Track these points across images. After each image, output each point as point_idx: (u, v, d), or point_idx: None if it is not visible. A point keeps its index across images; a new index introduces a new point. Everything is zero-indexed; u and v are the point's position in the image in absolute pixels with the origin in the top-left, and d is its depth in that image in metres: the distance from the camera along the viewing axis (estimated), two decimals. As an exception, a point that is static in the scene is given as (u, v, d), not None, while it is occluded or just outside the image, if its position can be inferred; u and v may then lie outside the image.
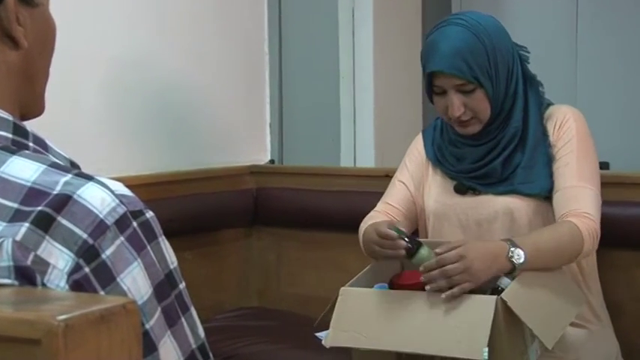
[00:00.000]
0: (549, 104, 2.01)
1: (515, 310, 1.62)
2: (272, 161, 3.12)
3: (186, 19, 2.76)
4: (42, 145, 0.91)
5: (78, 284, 0.80)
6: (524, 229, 1.92)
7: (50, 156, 0.90)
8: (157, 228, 0.86)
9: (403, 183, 2.11)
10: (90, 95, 2.49)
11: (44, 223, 0.80)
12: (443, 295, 1.71)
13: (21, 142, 0.89)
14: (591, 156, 1.95)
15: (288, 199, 2.84)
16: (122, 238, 0.82)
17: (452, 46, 1.87)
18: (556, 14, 3.81)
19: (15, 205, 0.82)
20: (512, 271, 1.77)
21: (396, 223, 1.82)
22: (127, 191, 0.86)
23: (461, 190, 2.02)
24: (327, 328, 1.79)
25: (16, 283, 0.79)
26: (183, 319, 0.87)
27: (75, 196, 0.82)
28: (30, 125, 0.92)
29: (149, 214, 0.86)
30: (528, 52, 1.99)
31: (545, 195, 1.94)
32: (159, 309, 0.84)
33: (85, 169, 0.89)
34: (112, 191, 0.84)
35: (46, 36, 0.96)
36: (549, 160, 1.95)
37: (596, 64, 3.71)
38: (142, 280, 0.82)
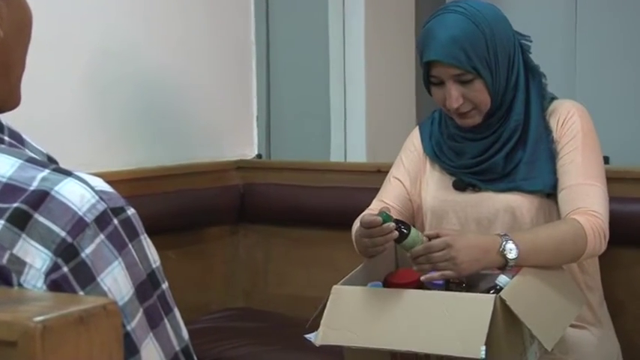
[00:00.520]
0: (553, 98, 2.01)
1: (514, 309, 1.63)
2: (259, 156, 3.11)
3: (170, 8, 2.76)
4: (18, 139, 0.91)
5: (56, 284, 0.79)
6: (525, 228, 1.93)
7: (27, 150, 0.90)
8: (139, 225, 0.86)
9: (398, 179, 2.11)
10: (69, 87, 2.48)
11: (20, 221, 0.80)
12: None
13: (-4, 136, 0.89)
14: (597, 152, 1.96)
15: (276, 196, 2.84)
16: (102, 236, 0.82)
17: (450, 35, 1.87)
18: (555, 4, 3.82)
19: (-11, 202, 0.81)
20: (505, 267, 1.77)
21: (385, 208, 1.81)
22: (107, 187, 0.86)
23: (460, 186, 2.02)
24: (318, 329, 1.79)
25: (-10, 283, 0.79)
26: (166, 321, 0.87)
27: (52, 192, 0.82)
28: (5, 118, 0.92)
29: (130, 211, 0.86)
30: (530, 41, 1.98)
31: (548, 192, 1.95)
32: (141, 310, 0.83)
33: (63, 165, 0.88)
34: (91, 187, 0.84)
35: (22, 25, 0.96)
36: (552, 155, 1.95)
37: (596, 55, 3.72)
38: (123, 280, 0.82)
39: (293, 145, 3.20)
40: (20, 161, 0.84)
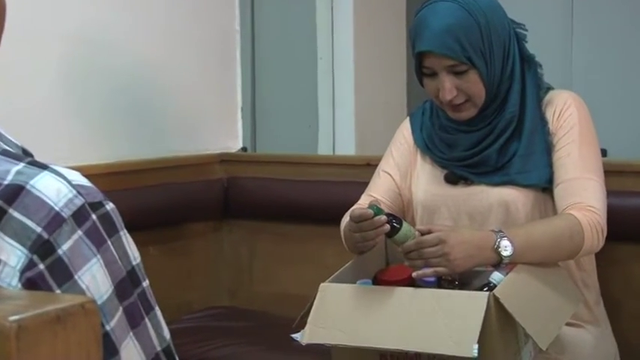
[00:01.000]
0: (549, 88, 2.01)
1: (508, 307, 1.64)
2: (244, 149, 3.11)
3: (150, -6, 2.75)
4: (-9, 131, 0.90)
5: (32, 282, 0.79)
6: (520, 223, 1.93)
7: (0, 143, 0.90)
8: (118, 221, 0.86)
9: (388, 173, 2.11)
10: (45, 77, 2.47)
11: (-6, 216, 0.80)
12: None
13: (-33, 128, 0.88)
14: (594, 145, 1.96)
15: (262, 190, 2.84)
16: (80, 232, 0.82)
17: (442, 24, 1.87)
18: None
19: (-39, 197, 0.81)
20: (499, 264, 1.78)
21: (374, 201, 1.81)
22: (85, 181, 0.86)
23: (452, 179, 2.03)
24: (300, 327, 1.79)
25: (-37, 281, 0.78)
26: (147, 320, 0.87)
27: (28, 187, 0.81)
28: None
29: (109, 205, 0.86)
30: (526, 30, 1.99)
31: (544, 186, 1.95)
32: (120, 309, 0.83)
33: (39, 158, 0.88)
34: (68, 181, 0.84)
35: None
36: (548, 148, 1.95)
37: (593, 44, 3.73)
38: (102, 277, 0.82)
39: (279, 138, 3.20)
40: (-6, 154, 0.84)
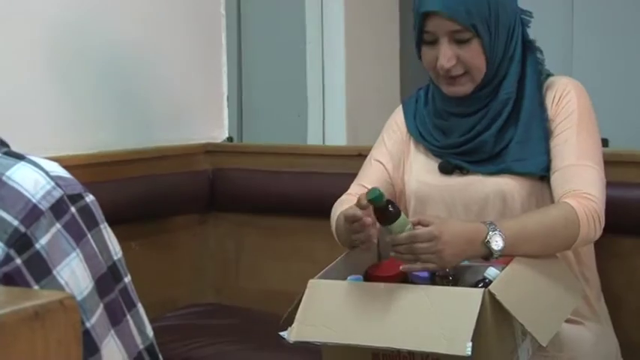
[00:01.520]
0: (548, 74, 2.02)
1: (504, 304, 1.64)
2: (230, 139, 3.11)
3: (131, -23, 2.74)
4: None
5: (8, 278, 0.79)
6: (517, 213, 1.94)
7: (-25, 132, 0.89)
8: (99, 214, 0.86)
9: (380, 162, 2.12)
10: (22, 62, 2.47)
11: (-31, 209, 0.80)
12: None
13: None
14: (593, 132, 1.97)
15: (249, 182, 2.84)
16: (58, 226, 0.82)
17: None
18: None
19: None
20: (489, 258, 1.79)
21: (370, 189, 1.79)
22: (63, 172, 0.86)
23: (446, 169, 2.03)
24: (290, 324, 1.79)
25: (-63, 276, 0.78)
26: (128, 317, 0.87)
27: (4, 178, 0.81)
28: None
29: (89, 198, 0.86)
30: (531, 17, 2.01)
31: (541, 174, 1.96)
32: (101, 305, 0.84)
33: (15, 148, 0.88)
34: (46, 172, 0.84)
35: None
36: (546, 135, 1.96)
37: (594, 31, 3.74)
38: (82, 272, 0.82)
39: (266, 127, 3.20)
40: (-32, 144, 0.84)
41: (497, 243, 1.77)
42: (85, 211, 0.84)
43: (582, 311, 2.00)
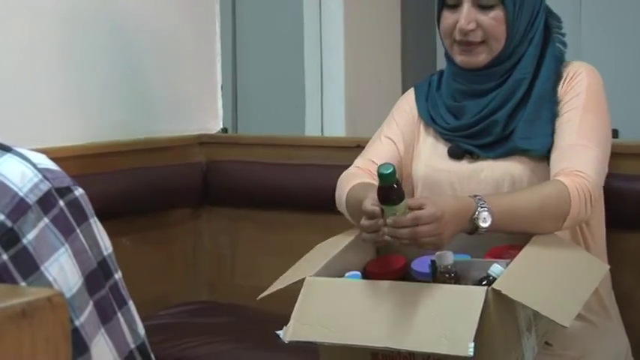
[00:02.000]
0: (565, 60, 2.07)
1: (513, 296, 1.64)
2: (224, 130, 3.11)
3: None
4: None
5: (-6, 274, 0.79)
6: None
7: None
8: (88, 208, 0.86)
9: (391, 139, 2.12)
10: (5, 50, 2.46)
11: (-47, 203, 0.80)
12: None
13: None
14: (600, 115, 1.99)
15: (244, 175, 2.84)
16: (46, 220, 0.82)
17: None
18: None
19: None
20: (474, 232, 1.79)
21: (384, 164, 1.77)
22: (51, 164, 0.86)
23: (456, 153, 2.05)
24: (286, 323, 1.79)
25: None
26: (119, 315, 0.87)
27: (-11, 171, 0.81)
28: None
29: (78, 191, 0.86)
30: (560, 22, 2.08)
31: (546, 155, 1.97)
32: (91, 303, 0.84)
33: (1, 139, 0.88)
34: (34, 164, 0.84)
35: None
36: (554, 116, 1.99)
37: (603, 21, 3.74)
38: (71, 268, 0.82)
39: (262, 118, 3.20)
40: (-48, 135, 0.84)
41: (485, 220, 1.78)
42: (74, 205, 0.84)
43: (592, 307, 2.00)
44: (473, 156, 2.04)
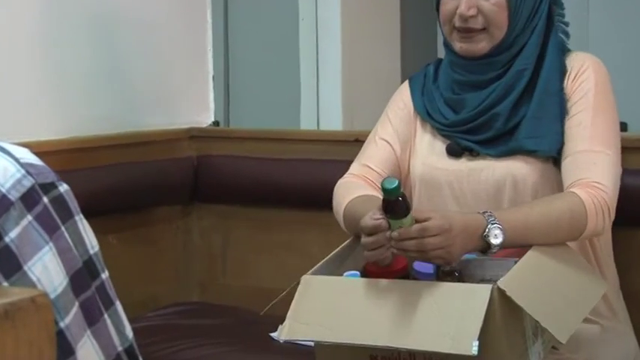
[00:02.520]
0: (568, 50, 2.06)
1: (516, 300, 1.64)
2: (216, 123, 3.11)
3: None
4: None
5: (-25, 274, 0.79)
6: (528, 200, 1.95)
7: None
8: (74, 204, 0.86)
9: (386, 141, 2.12)
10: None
11: None
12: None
13: None
14: (610, 114, 1.99)
15: (236, 170, 2.84)
16: (30, 217, 0.82)
17: None
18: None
19: None
20: (486, 251, 1.79)
21: (388, 178, 1.77)
22: (35, 159, 0.86)
23: (455, 151, 2.04)
24: (281, 324, 1.79)
25: None
26: (106, 316, 0.87)
27: (-30, 166, 0.81)
28: None
29: (63, 187, 0.86)
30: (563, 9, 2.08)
31: (554, 155, 1.97)
32: (76, 304, 0.84)
33: (-18, 132, 0.88)
34: (16, 159, 0.84)
35: None
36: (562, 114, 1.98)
37: (611, 9, 3.74)
38: (55, 268, 0.82)
39: (256, 111, 3.20)
40: None
41: (496, 237, 1.78)
42: (59, 202, 0.84)
43: (599, 309, 2.00)
44: (472, 153, 2.03)
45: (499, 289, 1.65)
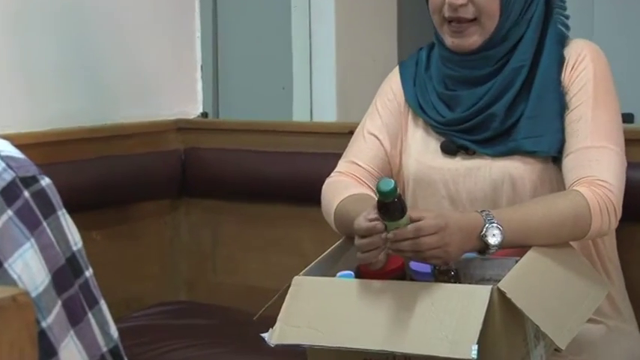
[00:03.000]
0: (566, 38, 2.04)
1: (516, 302, 1.64)
2: (204, 114, 3.11)
3: None
4: None
5: (-46, 271, 0.80)
6: (527, 200, 1.94)
7: None
8: (56, 199, 0.87)
9: (375, 136, 2.10)
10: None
11: None
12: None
13: None
14: (612, 106, 1.97)
15: (226, 163, 2.84)
16: (10, 212, 0.82)
17: None
18: None
19: None
20: (484, 252, 1.79)
21: (383, 179, 1.77)
22: (15, 152, 0.86)
23: (450, 149, 2.03)
24: (272, 325, 1.80)
25: None
26: (90, 316, 0.87)
27: (-52, 159, 0.82)
28: None
29: (45, 181, 0.86)
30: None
31: (554, 154, 1.96)
32: (59, 302, 0.84)
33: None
34: (-4, 152, 0.84)
35: None
36: (562, 110, 1.96)
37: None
38: (37, 265, 0.83)
39: (246, 101, 3.20)
40: None
41: (494, 237, 1.77)
42: (41, 196, 0.84)
43: (603, 309, 2.00)
44: (468, 152, 2.02)
45: (499, 290, 1.65)
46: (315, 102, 3.19)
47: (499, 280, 1.69)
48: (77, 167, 2.60)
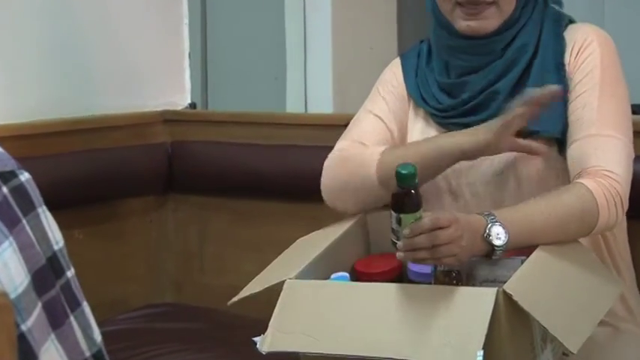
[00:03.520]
0: (571, 20, 2.05)
1: (524, 305, 1.64)
2: (192, 105, 3.11)
3: None
4: None
5: None
6: (529, 196, 1.94)
7: None
8: (36, 195, 0.87)
9: (381, 119, 2.11)
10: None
11: None
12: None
13: None
14: (619, 94, 1.98)
15: (215, 157, 2.84)
16: (-12, 210, 0.82)
17: None
18: None
19: None
20: (491, 255, 1.79)
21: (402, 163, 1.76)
22: (-7, 145, 0.86)
23: None
24: (263, 328, 1.80)
25: None
26: (72, 319, 0.88)
27: None
28: None
29: (24, 176, 0.86)
30: None
31: (557, 136, 1.96)
32: (39, 304, 0.84)
33: None
34: (-28, 146, 0.84)
35: None
36: (564, 91, 1.96)
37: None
38: (16, 265, 0.83)
39: (236, 92, 3.20)
40: None
41: (499, 238, 1.77)
42: (20, 192, 0.85)
43: (614, 309, 2.00)
44: None
45: (505, 292, 1.65)
46: (310, 92, 3.19)
47: (505, 282, 1.68)
48: (57, 162, 2.60)
